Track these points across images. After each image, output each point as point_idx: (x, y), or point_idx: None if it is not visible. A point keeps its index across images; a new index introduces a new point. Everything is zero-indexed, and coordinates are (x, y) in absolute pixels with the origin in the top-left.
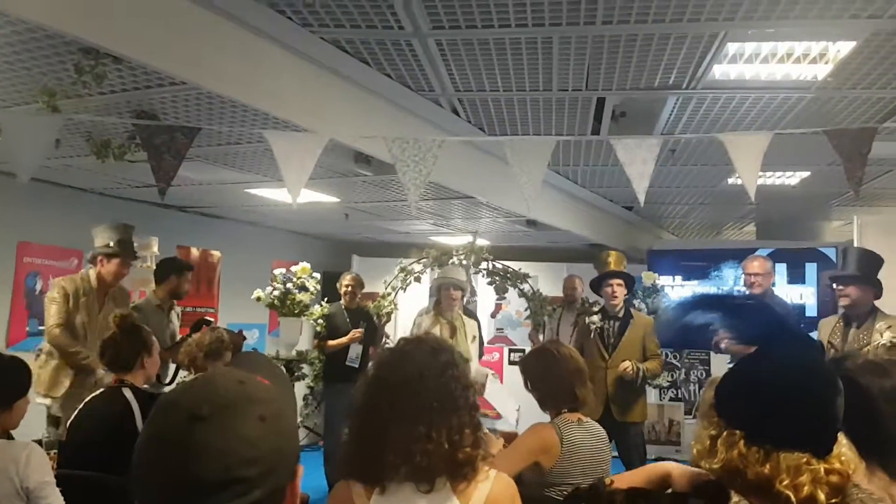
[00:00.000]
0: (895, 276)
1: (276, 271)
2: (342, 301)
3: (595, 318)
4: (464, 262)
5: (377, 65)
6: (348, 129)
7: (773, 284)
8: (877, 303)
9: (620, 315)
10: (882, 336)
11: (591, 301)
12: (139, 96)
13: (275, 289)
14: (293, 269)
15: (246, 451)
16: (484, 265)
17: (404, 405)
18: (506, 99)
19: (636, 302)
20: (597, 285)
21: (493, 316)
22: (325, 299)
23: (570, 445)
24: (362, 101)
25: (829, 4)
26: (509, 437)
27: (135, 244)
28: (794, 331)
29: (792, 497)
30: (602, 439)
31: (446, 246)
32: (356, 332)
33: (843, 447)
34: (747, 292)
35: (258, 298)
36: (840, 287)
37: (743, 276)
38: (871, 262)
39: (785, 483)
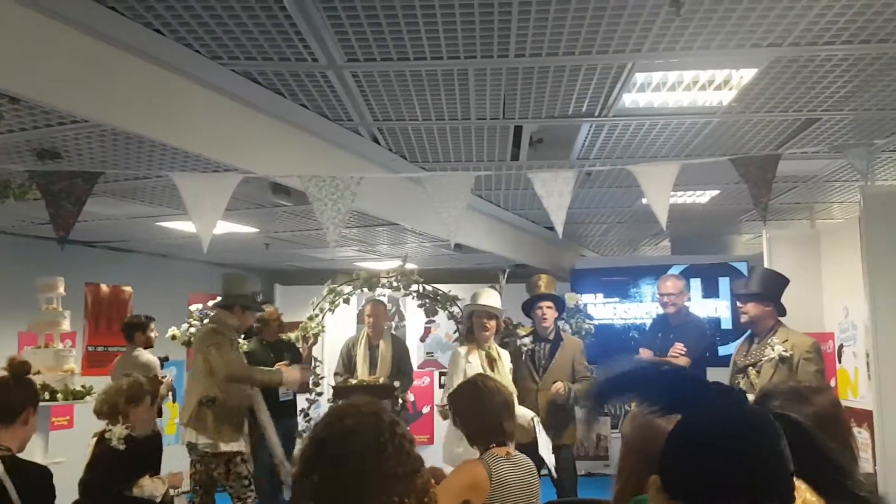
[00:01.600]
0: (801, 288)
1: (192, 307)
2: (262, 335)
3: (526, 340)
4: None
5: (292, 95)
6: (264, 161)
7: (689, 300)
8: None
9: (551, 337)
10: (773, 349)
11: (514, 323)
12: (40, 135)
13: (191, 325)
14: (210, 303)
15: None
16: (414, 288)
17: (369, 479)
18: (426, 128)
19: (560, 323)
20: (527, 308)
21: (422, 340)
22: (243, 336)
23: (499, 481)
24: (277, 131)
25: (731, 35)
26: (437, 475)
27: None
28: (714, 387)
29: None
30: (531, 472)
31: (375, 270)
32: (282, 367)
33: (805, 492)
34: (663, 311)
35: (173, 336)
36: (740, 304)
37: (658, 295)
38: (773, 282)
39: None
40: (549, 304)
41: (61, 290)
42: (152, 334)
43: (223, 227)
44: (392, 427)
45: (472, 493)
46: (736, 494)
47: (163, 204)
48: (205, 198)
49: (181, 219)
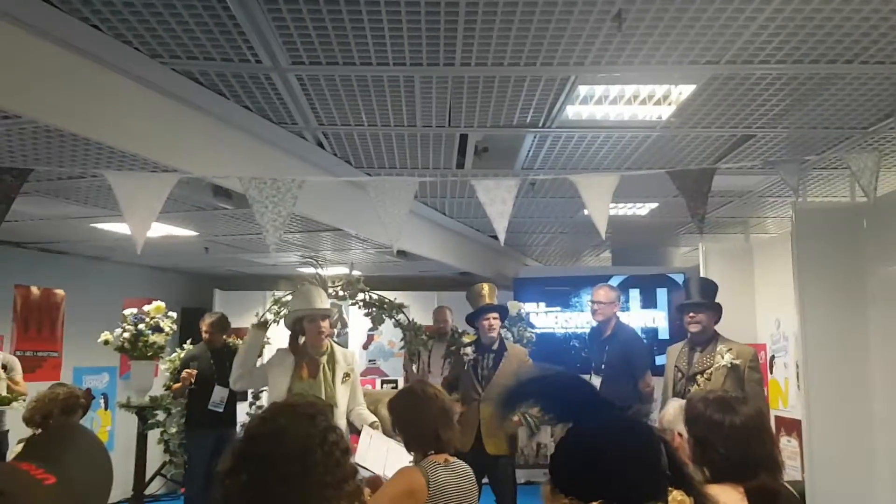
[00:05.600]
0: (735, 300)
1: (127, 311)
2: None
3: (469, 349)
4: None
5: (235, 97)
6: (203, 163)
7: (627, 309)
8: (717, 327)
9: (495, 347)
10: (723, 358)
11: (461, 331)
12: None
13: (125, 330)
14: (146, 308)
15: None
16: (361, 296)
17: (296, 483)
18: (371, 134)
19: (502, 331)
20: (473, 319)
21: (365, 347)
22: (190, 340)
23: (437, 488)
24: (218, 133)
25: (670, 51)
26: (374, 484)
27: None
28: (603, 399)
29: None
30: (469, 479)
31: (318, 277)
32: (187, 373)
33: (676, 493)
34: (594, 320)
35: (106, 342)
36: (692, 314)
37: (589, 302)
38: (712, 290)
39: None
40: (496, 314)
41: None
42: None
43: (162, 230)
44: (324, 433)
45: (409, 501)
46: (630, 492)
47: (97, 205)
48: (140, 197)
49: (116, 220)
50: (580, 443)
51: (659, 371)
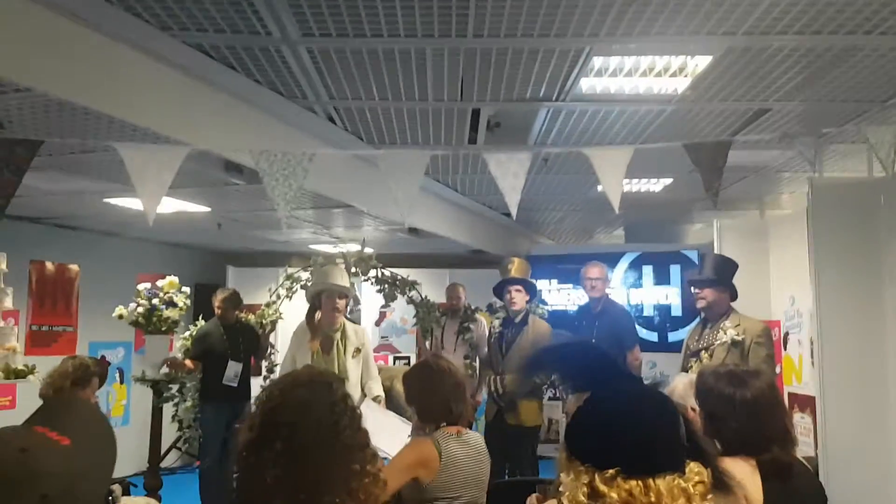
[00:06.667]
0: (749, 276)
1: (141, 286)
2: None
3: (496, 322)
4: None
5: (245, 70)
6: (214, 137)
7: (640, 285)
8: (734, 304)
9: (518, 321)
10: (725, 333)
11: (473, 308)
12: None
13: (139, 305)
14: (159, 283)
15: None
16: (373, 273)
17: (328, 448)
18: (383, 108)
19: None
20: (499, 291)
21: (377, 324)
22: (201, 316)
23: (448, 459)
24: (229, 107)
25: (686, 21)
26: None
27: None
28: (621, 369)
29: None
30: (481, 451)
31: (332, 254)
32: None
33: (693, 465)
34: (588, 295)
35: (120, 316)
36: (697, 290)
37: (584, 280)
38: (726, 267)
39: None
40: (518, 287)
41: (4, 266)
42: None
43: (174, 206)
44: (343, 399)
45: (420, 471)
46: (648, 461)
47: (110, 179)
48: (150, 170)
49: (129, 195)
50: (598, 412)
51: (673, 348)
